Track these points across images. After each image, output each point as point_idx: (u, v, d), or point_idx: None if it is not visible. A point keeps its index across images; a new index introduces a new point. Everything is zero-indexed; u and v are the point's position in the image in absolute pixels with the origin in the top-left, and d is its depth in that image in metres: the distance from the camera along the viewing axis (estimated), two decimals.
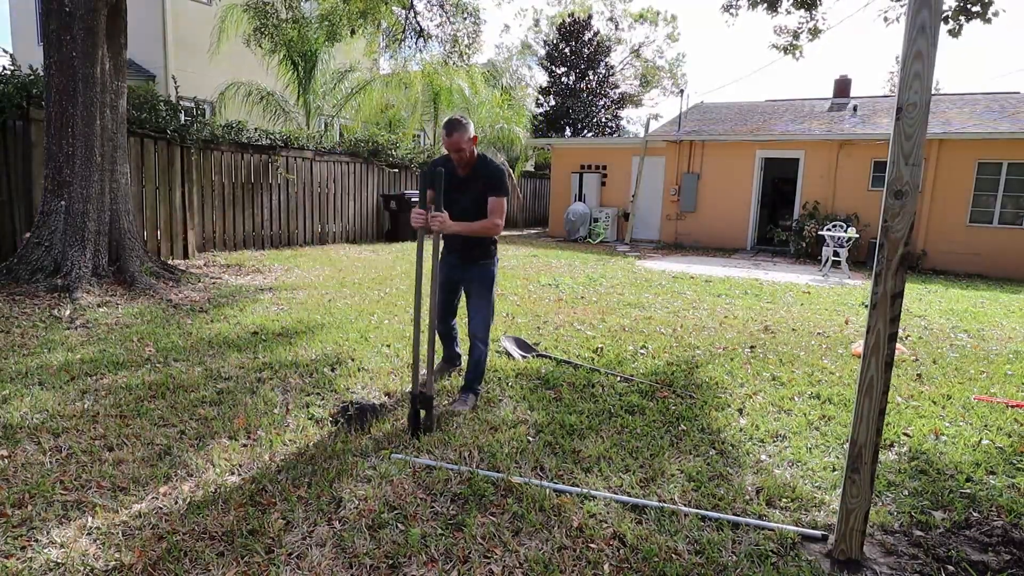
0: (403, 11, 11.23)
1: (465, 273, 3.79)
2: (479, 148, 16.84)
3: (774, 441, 3.46)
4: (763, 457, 3.24)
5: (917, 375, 4.85)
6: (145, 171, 8.64)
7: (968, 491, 2.95)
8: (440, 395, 3.93)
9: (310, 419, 3.41)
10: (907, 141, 2.12)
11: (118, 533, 2.34)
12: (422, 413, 3.28)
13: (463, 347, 4.31)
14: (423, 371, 3.42)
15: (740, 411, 3.90)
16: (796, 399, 4.16)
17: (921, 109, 2.10)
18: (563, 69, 27.48)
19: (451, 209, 3.39)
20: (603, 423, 3.59)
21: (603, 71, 27.71)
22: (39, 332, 4.87)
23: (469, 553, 2.31)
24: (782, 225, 14.79)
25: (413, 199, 13.46)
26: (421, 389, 3.27)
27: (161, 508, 2.51)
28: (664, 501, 2.73)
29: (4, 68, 7.13)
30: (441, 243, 3.55)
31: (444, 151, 3.74)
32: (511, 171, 19.41)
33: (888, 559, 2.40)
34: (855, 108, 15.73)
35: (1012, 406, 4.16)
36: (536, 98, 29.39)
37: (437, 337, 3.89)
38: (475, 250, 3.70)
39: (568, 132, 27.27)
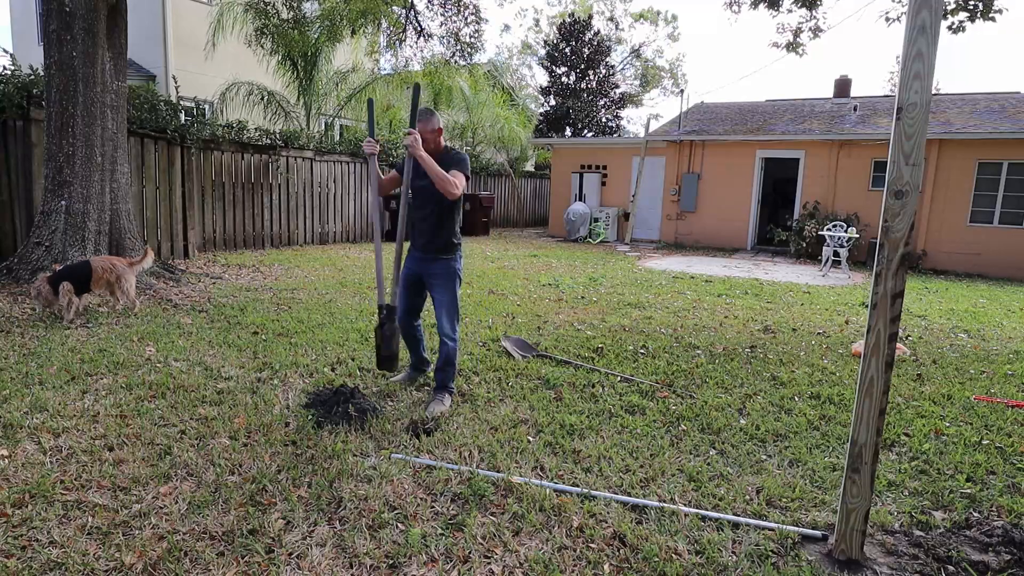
0: (403, 10, 11.22)
1: (428, 268, 3.78)
2: (480, 145, 16.56)
3: (774, 441, 3.46)
4: (763, 457, 3.24)
5: (917, 375, 4.85)
6: (145, 171, 8.64)
7: (968, 491, 2.95)
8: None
9: (310, 420, 3.41)
10: (907, 141, 2.12)
11: (118, 533, 2.34)
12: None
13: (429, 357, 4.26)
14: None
15: (740, 411, 3.90)
16: (796, 399, 4.16)
17: (921, 109, 2.10)
18: (563, 69, 27.45)
19: (415, 192, 3.69)
20: (603, 423, 3.59)
21: (603, 71, 27.66)
22: (39, 332, 4.87)
23: (469, 553, 2.31)
24: (782, 225, 14.79)
25: None
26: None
27: (161, 508, 2.51)
28: (664, 501, 2.72)
29: (4, 68, 7.13)
30: (406, 245, 3.79)
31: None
32: (511, 172, 19.40)
33: (888, 559, 2.40)
34: (855, 108, 15.72)
35: (1012, 406, 4.16)
36: (537, 98, 29.39)
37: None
38: (438, 246, 3.74)
39: (568, 132, 27.26)
